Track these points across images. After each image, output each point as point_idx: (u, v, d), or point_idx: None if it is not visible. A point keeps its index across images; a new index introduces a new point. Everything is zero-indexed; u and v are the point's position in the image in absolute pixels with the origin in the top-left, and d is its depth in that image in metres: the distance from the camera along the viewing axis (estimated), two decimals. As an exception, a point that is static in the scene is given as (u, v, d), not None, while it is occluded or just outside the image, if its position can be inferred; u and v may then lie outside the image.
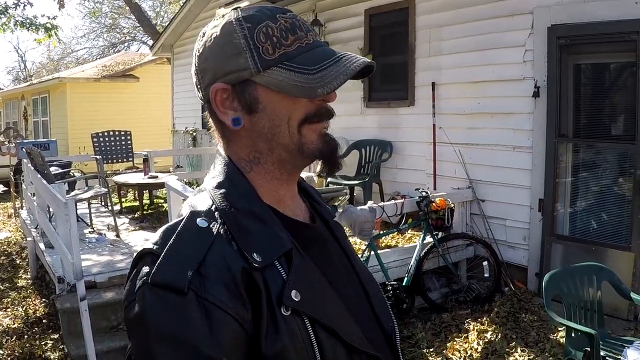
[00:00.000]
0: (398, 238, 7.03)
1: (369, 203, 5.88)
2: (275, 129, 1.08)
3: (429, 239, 6.00)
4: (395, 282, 5.54)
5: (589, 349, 3.58)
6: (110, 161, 10.53)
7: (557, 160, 5.99)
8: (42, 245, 6.43)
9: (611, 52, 5.75)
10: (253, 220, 1.05)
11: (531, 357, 4.75)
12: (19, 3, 10.63)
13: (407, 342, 5.13)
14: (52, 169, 7.91)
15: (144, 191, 9.06)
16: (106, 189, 8.10)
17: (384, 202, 6.46)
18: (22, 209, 9.73)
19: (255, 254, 0.99)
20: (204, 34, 1.12)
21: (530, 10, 6.05)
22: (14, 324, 5.68)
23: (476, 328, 5.30)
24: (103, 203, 9.46)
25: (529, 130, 6.16)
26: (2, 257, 8.02)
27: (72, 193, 7.59)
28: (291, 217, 1.14)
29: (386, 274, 5.57)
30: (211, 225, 1.02)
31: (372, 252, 5.59)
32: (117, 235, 7.29)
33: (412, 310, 5.77)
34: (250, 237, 1.02)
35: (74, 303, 4.77)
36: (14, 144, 13.25)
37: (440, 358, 4.87)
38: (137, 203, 9.49)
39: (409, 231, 6.96)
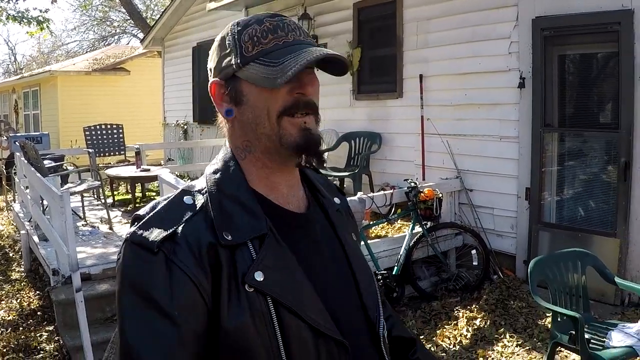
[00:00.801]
0: (388, 228, 7.09)
1: (359, 194, 5.94)
2: (258, 119, 1.19)
3: (418, 228, 6.06)
4: (385, 272, 5.61)
5: (573, 332, 3.67)
6: (102, 154, 10.55)
7: (543, 149, 6.08)
8: (36, 238, 6.47)
9: (594, 42, 5.85)
10: (234, 204, 1.16)
11: (519, 342, 4.86)
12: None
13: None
14: (45, 162, 7.95)
15: (136, 184, 9.11)
16: (99, 182, 8.15)
17: (373, 193, 6.53)
18: (14, 202, 9.75)
19: (225, 233, 1.12)
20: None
21: (515, 3, 6.15)
22: (9, 316, 5.72)
23: (465, 315, 5.40)
24: (95, 196, 9.50)
25: (515, 120, 6.26)
26: (-5, 251, 8.05)
27: (65, 186, 7.61)
28: (280, 205, 1.23)
29: (376, 264, 5.64)
30: (196, 203, 1.16)
31: (362, 242, 5.66)
32: (110, 228, 7.33)
33: (402, 299, 5.84)
34: (227, 218, 1.14)
35: (69, 295, 4.81)
36: (5, 137, 13.25)
37: (430, 345, 4.96)
38: (129, 196, 9.55)
39: (399, 221, 7.06)
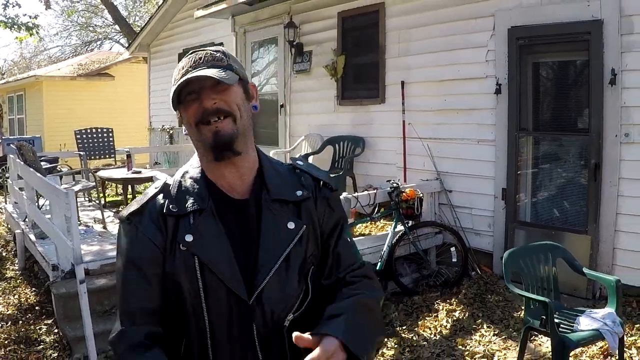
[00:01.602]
0: (371, 227, 7.30)
1: (344, 194, 6.11)
2: (189, 131, 1.62)
3: (400, 227, 6.24)
4: (369, 268, 5.81)
5: (544, 317, 3.91)
6: (92, 157, 10.66)
7: (519, 152, 6.32)
8: (32, 237, 6.60)
9: (566, 51, 6.09)
10: (190, 186, 1.62)
11: (496, 332, 5.09)
12: (8, 3, 10.77)
13: (381, 322, 5.42)
14: (41, 163, 8.11)
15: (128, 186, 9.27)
16: (94, 183, 8.32)
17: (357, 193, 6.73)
18: (6, 203, 9.84)
19: (172, 206, 1.57)
20: None
21: (492, 13, 6.38)
22: (8, 310, 5.84)
23: (445, 308, 5.62)
24: (87, 198, 9.68)
25: (492, 124, 6.48)
26: (-12, 251, 8.11)
27: (63, 186, 7.77)
28: (224, 190, 1.62)
29: (360, 260, 5.83)
30: (162, 186, 1.64)
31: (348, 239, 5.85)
32: (104, 227, 7.50)
33: (385, 295, 6.00)
34: (179, 196, 1.60)
35: (70, 288, 4.99)
36: (-4, 140, 13.30)
37: (412, 334, 5.19)
38: (119, 197, 9.71)
39: (382, 220, 7.26)
